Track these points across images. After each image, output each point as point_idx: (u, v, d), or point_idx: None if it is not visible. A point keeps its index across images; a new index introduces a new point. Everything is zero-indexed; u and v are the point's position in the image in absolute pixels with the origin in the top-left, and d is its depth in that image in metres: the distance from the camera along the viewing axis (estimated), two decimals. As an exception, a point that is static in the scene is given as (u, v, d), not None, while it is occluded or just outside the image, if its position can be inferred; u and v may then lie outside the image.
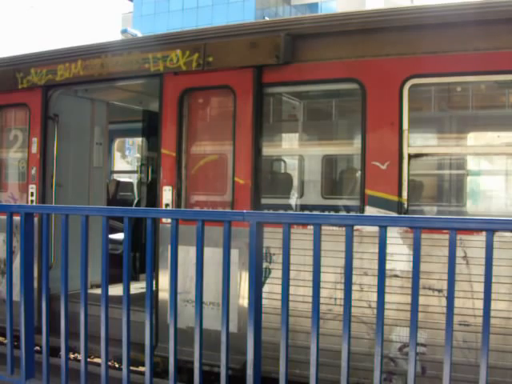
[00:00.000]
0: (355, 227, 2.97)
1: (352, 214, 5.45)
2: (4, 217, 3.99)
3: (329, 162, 7.70)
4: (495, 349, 3.77)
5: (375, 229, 2.88)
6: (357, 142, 5.10)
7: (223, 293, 3.18)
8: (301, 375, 4.31)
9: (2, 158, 6.96)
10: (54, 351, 4.56)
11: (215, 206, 5.51)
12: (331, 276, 4.48)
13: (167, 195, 5.42)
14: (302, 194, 7.46)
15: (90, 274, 3.84)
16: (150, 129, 7.95)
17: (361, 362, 4.22)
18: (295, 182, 7.30)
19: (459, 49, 4.44)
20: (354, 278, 3.37)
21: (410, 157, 4.55)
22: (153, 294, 3.52)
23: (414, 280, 2.75)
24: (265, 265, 4.76)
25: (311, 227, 3.00)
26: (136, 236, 7.10)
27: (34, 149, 6.29)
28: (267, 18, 15.97)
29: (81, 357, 3.68)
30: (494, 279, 2.57)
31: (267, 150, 5.42)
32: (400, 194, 4.53)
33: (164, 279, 5.26)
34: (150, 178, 8.52)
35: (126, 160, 17.02)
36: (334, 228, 3.75)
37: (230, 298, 3.20)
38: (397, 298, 4.26)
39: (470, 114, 6.30)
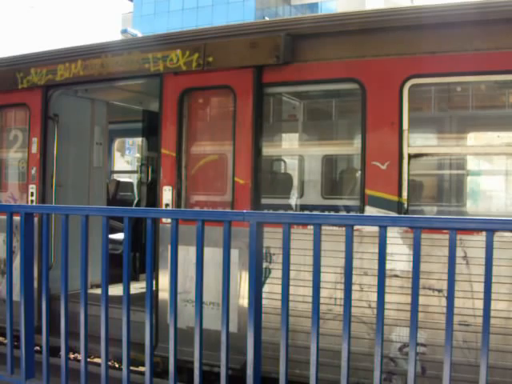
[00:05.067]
0: (355, 227, 2.97)
1: (352, 214, 5.45)
2: (4, 217, 3.99)
3: (329, 162, 7.70)
4: (495, 349, 3.76)
5: (375, 229, 2.88)
6: (357, 142, 5.10)
7: (223, 293, 3.18)
8: (301, 375, 4.31)
9: (2, 157, 6.96)
10: (54, 351, 4.56)
11: (215, 206, 5.51)
12: (331, 276, 4.48)
13: (167, 195, 5.42)
14: (301, 194, 7.46)
15: (90, 273, 3.84)
16: (150, 129, 7.95)
17: (361, 361, 4.22)
18: (295, 182, 7.30)
19: (459, 49, 4.44)
20: (354, 278, 3.37)
21: (410, 157, 4.55)
22: (153, 294, 3.52)
23: (414, 280, 2.75)
24: (265, 265, 4.76)
25: (311, 227, 3.00)
26: (136, 236, 7.10)
27: (34, 149, 6.29)
28: (267, 18, 15.97)
29: (81, 357, 3.69)
30: (494, 279, 2.57)
31: (267, 150, 5.41)
32: (400, 194, 4.53)
33: (164, 279, 5.26)
34: (149, 178, 8.53)
35: (125, 160, 17.01)
36: (334, 228, 3.75)
37: (230, 298, 3.20)
38: (397, 298, 4.26)
39: (470, 114, 6.30)
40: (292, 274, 3.10)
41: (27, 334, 3.91)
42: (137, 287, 6.38)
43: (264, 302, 3.31)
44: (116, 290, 4.76)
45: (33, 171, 6.28)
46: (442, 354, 2.70)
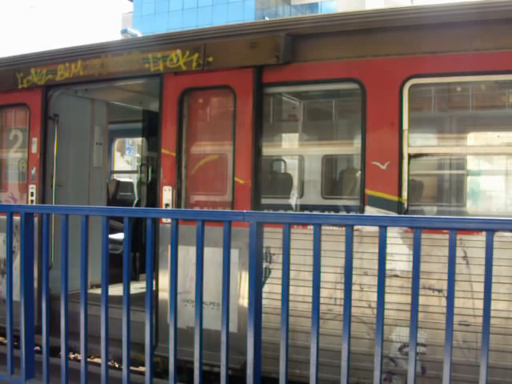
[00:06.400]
0: (355, 227, 2.97)
1: (352, 213, 5.45)
2: (4, 217, 3.99)
3: (329, 161, 7.70)
4: (495, 349, 3.76)
5: (375, 229, 2.88)
6: (357, 142, 5.10)
7: (223, 293, 3.18)
8: (301, 375, 4.31)
9: (2, 157, 6.96)
10: (54, 351, 4.56)
11: (215, 206, 5.51)
12: (331, 276, 4.48)
13: (167, 195, 5.42)
14: (301, 194, 7.46)
15: (90, 274, 3.84)
16: (150, 129, 7.95)
17: (361, 361, 4.22)
18: (295, 182, 7.30)
19: (459, 49, 4.44)
20: (354, 278, 3.37)
21: (410, 157, 4.55)
22: (153, 294, 3.52)
23: (414, 280, 2.75)
24: (265, 265, 4.76)
25: (311, 227, 3.00)
26: (136, 236, 7.10)
27: (34, 149, 6.29)
28: (267, 18, 15.96)
29: (81, 357, 3.69)
30: (494, 279, 2.57)
31: (267, 150, 5.42)
32: (400, 194, 4.53)
33: (164, 279, 5.26)
34: (149, 178, 8.53)
35: (125, 160, 17.02)
36: (334, 228, 3.75)
37: (230, 298, 3.20)
38: (397, 298, 4.26)
39: (470, 114, 6.30)
40: (292, 274, 3.09)
41: (27, 334, 3.91)
42: (137, 287, 6.38)
43: (264, 302, 3.31)
44: (116, 290, 4.76)
45: (33, 171, 6.28)
46: (442, 354, 2.70)
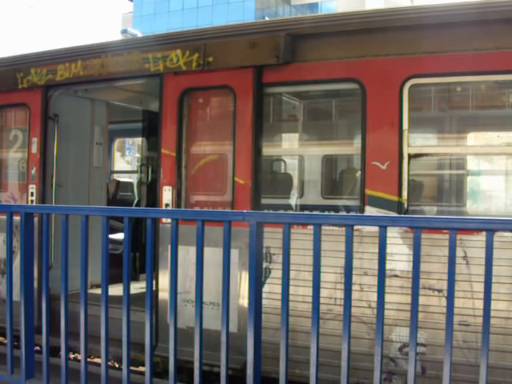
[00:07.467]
0: (355, 227, 2.97)
1: (352, 213, 5.45)
2: (4, 217, 3.99)
3: (329, 161, 7.70)
4: (495, 349, 3.76)
5: (375, 229, 2.88)
6: (357, 142, 5.10)
7: (223, 293, 3.18)
8: (301, 375, 4.31)
9: (2, 157, 6.96)
10: (54, 351, 4.56)
11: (215, 206, 5.51)
12: (331, 276, 4.48)
13: (167, 195, 5.42)
14: (301, 194, 7.46)
15: (90, 273, 3.84)
16: (150, 129, 7.95)
17: (361, 361, 4.22)
18: (295, 182, 7.30)
19: (459, 49, 4.44)
20: (354, 278, 3.37)
21: (410, 157, 4.55)
22: (153, 294, 3.52)
23: (414, 280, 2.75)
24: (265, 265, 4.76)
25: (311, 227, 3.00)
26: (136, 236, 7.10)
27: (34, 149, 6.29)
28: (267, 18, 15.96)
29: (81, 357, 3.69)
30: (494, 279, 2.57)
31: (267, 150, 5.42)
32: (400, 194, 4.53)
33: (164, 279, 5.26)
34: (149, 178, 8.53)
35: (125, 160, 17.02)
36: (334, 228, 3.75)
37: (230, 298, 3.20)
38: (397, 298, 4.26)
39: (470, 114, 6.30)
40: (292, 274, 3.10)
41: (27, 334, 3.91)
42: (137, 287, 6.38)
43: (264, 302, 3.31)
44: (116, 290, 4.76)
45: (33, 171, 6.28)
46: (442, 354, 2.70)
